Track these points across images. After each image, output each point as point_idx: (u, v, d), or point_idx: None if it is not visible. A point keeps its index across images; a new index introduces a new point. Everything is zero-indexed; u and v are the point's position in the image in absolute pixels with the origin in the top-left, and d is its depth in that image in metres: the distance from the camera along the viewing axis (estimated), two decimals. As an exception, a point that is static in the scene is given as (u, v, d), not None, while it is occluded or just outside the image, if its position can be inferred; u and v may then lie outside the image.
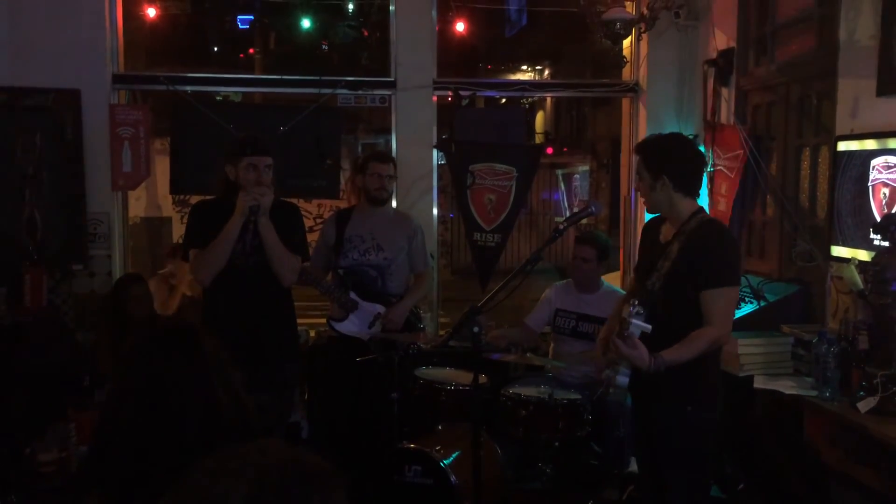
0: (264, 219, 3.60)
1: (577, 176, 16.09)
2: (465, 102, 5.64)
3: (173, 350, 1.71)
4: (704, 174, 3.29)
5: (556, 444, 4.06)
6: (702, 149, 4.22)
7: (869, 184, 3.71)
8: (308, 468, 1.09)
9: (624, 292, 4.84)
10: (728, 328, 3.07)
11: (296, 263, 3.77)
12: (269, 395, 3.63)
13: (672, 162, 3.13)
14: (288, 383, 4.01)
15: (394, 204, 5.08)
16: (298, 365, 4.15)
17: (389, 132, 5.85)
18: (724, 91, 5.14)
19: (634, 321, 2.86)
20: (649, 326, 2.87)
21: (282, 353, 3.84)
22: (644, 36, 5.48)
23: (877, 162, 3.66)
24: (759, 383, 3.74)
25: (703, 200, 4.87)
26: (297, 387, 4.76)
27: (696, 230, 3.07)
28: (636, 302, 2.91)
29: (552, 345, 4.85)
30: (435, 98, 5.65)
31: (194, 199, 4.42)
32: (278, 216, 3.69)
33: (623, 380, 3.00)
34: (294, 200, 4.13)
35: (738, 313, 4.11)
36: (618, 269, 6.35)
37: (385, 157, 4.64)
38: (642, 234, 3.41)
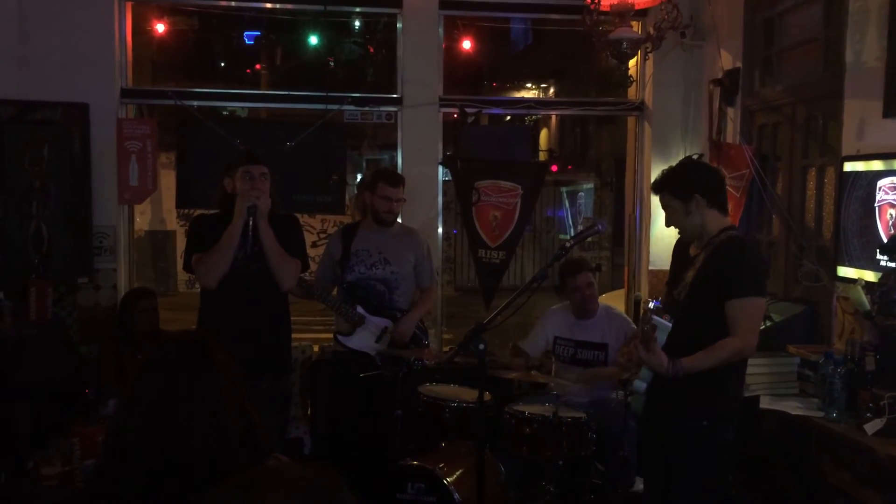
0: (263, 222, 3.62)
1: (581, 194, 16.08)
2: (470, 119, 5.65)
3: (184, 363, 1.70)
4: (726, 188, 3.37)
5: (560, 462, 4.04)
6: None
7: (875, 204, 3.71)
8: (326, 484, 1.12)
9: (620, 311, 4.92)
10: (753, 340, 3.03)
11: (295, 267, 3.78)
12: (267, 410, 3.60)
13: (698, 179, 3.19)
14: (287, 397, 3.97)
15: (399, 219, 5.08)
16: (291, 378, 4.13)
17: (394, 148, 5.86)
18: (730, 111, 5.16)
19: (655, 317, 2.93)
20: (669, 324, 2.92)
21: (280, 365, 3.85)
22: (650, 55, 5.50)
23: (883, 183, 3.67)
24: (764, 404, 3.73)
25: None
26: (290, 401, 4.74)
27: (725, 242, 3.10)
28: (658, 299, 3.02)
29: (555, 366, 4.84)
30: (441, 115, 5.67)
31: (198, 213, 4.43)
32: (277, 225, 3.71)
33: (641, 385, 3.01)
34: (298, 215, 4.13)
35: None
36: (622, 287, 6.34)
37: (396, 179, 4.51)
38: (674, 248, 3.43)
